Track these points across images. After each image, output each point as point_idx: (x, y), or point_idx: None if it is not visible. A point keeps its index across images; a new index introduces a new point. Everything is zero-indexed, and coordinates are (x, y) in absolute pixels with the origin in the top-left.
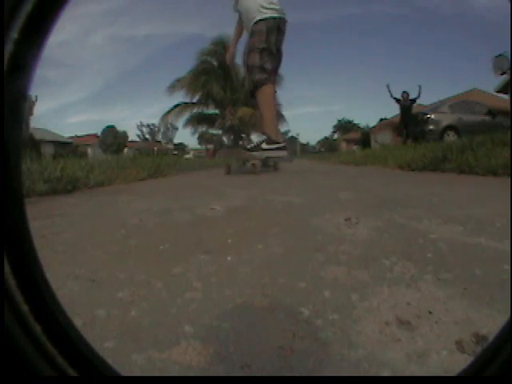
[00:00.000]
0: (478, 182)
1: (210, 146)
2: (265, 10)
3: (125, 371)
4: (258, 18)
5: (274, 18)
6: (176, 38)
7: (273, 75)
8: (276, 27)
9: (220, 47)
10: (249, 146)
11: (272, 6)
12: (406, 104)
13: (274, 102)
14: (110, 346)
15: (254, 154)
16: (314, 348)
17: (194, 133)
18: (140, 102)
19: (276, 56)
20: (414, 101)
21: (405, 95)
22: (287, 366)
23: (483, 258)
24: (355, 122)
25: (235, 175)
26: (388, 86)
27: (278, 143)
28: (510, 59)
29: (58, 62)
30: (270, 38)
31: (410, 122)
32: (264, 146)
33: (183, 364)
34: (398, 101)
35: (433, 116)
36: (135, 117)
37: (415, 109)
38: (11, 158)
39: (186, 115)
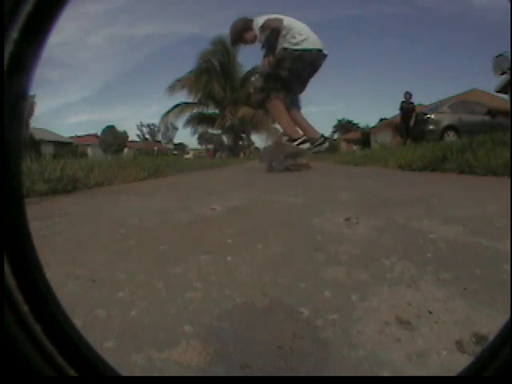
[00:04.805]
0: (478, 182)
1: (210, 146)
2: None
3: (125, 371)
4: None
5: (285, 49)
6: (176, 38)
7: (275, 94)
8: (288, 56)
9: (220, 47)
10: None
11: (286, 42)
12: (408, 105)
13: (282, 111)
14: (109, 346)
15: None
16: (314, 348)
17: (194, 133)
18: (140, 102)
19: (286, 80)
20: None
21: (407, 95)
22: (287, 366)
23: (483, 258)
24: (355, 121)
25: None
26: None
27: (297, 140)
28: (510, 59)
29: (58, 62)
30: (279, 66)
31: (411, 121)
32: (287, 143)
33: (183, 364)
34: (402, 103)
35: (433, 116)
36: (135, 117)
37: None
38: (11, 158)
39: (186, 115)
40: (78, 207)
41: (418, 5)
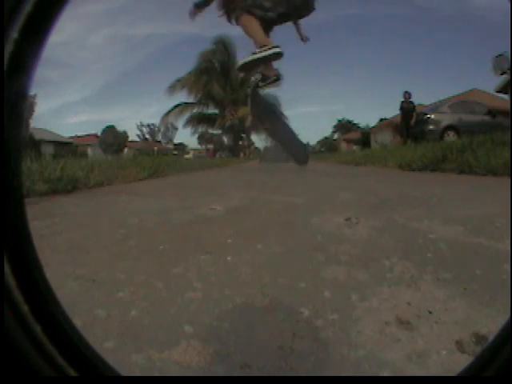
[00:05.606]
0: (478, 182)
1: (210, 146)
2: None
3: (125, 371)
4: None
5: None
6: (176, 38)
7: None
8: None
9: (220, 47)
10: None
11: None
12: (408, 104)
13: (254, 23)
14: (109, 346)
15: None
16: (314, 348)
17: (193, 133)
18: (140, 102)
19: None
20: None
21: (406, 95)
22: (287, 366)
23: (483, 258)
24: (355, 121)
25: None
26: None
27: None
28: (510, 59)
29: (58, 62)
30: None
31: (411, 121)
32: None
33: (183, 364)
34: (402, 103)
35: (433, 116)
36: (135, 117)
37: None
38: (11, 157)
39: (186, 115)
40: (78, 207)
41: (418, 5)
